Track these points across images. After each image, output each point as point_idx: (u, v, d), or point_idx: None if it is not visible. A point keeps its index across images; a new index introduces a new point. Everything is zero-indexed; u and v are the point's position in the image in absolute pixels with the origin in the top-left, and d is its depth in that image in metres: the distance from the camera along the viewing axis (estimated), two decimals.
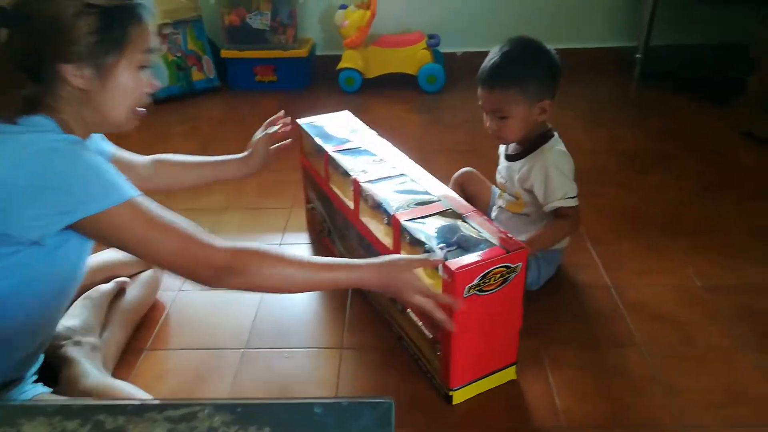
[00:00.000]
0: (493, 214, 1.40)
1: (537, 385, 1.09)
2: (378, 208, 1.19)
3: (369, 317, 1.27)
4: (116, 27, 0.82)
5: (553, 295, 1.31)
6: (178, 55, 2.60)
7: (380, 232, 1.19)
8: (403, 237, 1.09)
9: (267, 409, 0.49)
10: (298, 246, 1.54)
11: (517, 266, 0.99)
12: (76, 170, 0.79)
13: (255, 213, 1.70)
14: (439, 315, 0.96)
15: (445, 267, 0.95)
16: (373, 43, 2.61)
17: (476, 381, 1.06)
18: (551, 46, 1.24)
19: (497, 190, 1.42)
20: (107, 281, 1.20)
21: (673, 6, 2.59)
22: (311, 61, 2.76)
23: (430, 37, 2.61)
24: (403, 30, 2.71)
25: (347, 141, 1.39)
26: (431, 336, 1.08)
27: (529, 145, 1.28)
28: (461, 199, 1.16)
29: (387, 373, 1.13)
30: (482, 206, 1.40)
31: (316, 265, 0.94)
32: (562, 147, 1.27)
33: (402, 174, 1.24)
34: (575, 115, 2.25)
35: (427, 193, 1.16)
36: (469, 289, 0.96)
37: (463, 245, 1.01)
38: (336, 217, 1.41)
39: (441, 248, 1.00)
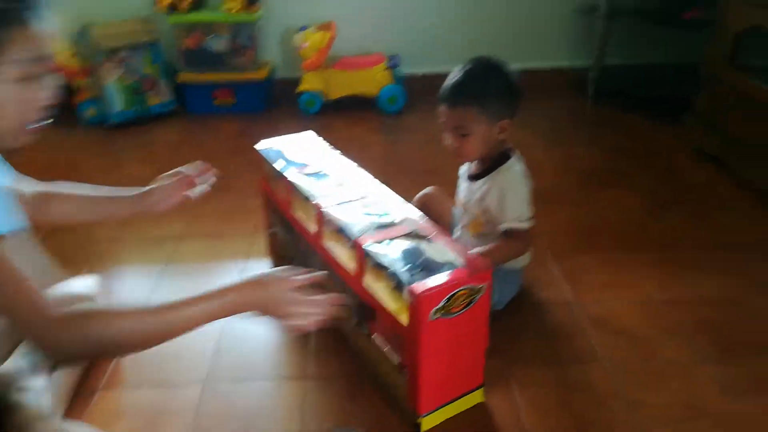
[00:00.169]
0: (456, 234, 1.40)
1: (504, 406, 1.08)
2: (341, 232, 1.18)
3: (333, 345, 1.24)
4: None
5: (515, 314, 1.31)
6: (134, 79, 2.55)
7: (344, 256, 1.17)
8: (366, 261, 1.08)
9: None
10: None
11: (481, 287, 0.99)
12: None
13: (216, 240, 1.66)
14: (316, 324, 0.91)
15: (410, 291, 0.94)
16: (333, 65, 2.61)
17: (444, 406, 1.05)
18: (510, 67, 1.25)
19: (457, 210, 1.42)
20: None
21: (625, 27, 2.67)
22: (271, 84, 2.75)
23: (390, 58, 2.63)
24: (362, 52, 2.72)
25: (308, 164, 1.38)
26: (398, 361, 1.06)
27: (488, 166, 1.29)
28: (425, 220, 1.15)
29: (353, 402, 1.11)
30: (445, 226, 1.40)
31: (168, 306, 0.84)
32: (520, 168, 1.28)
33: (365, 196, 1.23)
34: (534, 133, 2.29)
35: (390, 215, 1.16)
36: (435, 312, 0.95)
37: (428, 267, 1.00)
38: (298, 242, 1.38)
39: (405, 271, 0.99)
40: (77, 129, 2.51)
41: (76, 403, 1.10)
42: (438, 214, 1.45)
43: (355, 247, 1.09)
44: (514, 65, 1.24)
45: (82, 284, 1.23)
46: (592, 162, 2.11)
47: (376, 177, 1.30)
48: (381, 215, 1.16)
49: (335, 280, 1.22)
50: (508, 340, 1.22)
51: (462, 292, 0.97)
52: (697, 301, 1.35)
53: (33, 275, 0.77)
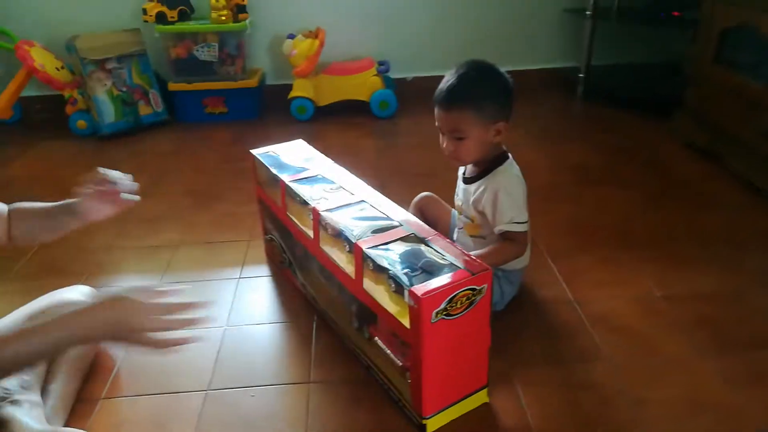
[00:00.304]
0: (455, 236, 1.41)
1: (509, 406, 1.08)
2: (339, 236, 1.18)
3: (336, 349, 1.24)
4: None
5: (517, 314, 1.31)
6: (124, 89, 2.55)
7: (342, 260, 1.17)
8: (366, 264, 1.08)
9: None
10: (258, 279, 1.50)
11: (482, 288, 0.99)
12: None
13: (211, 247, 1.65)
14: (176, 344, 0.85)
15: (411, 293, 0.94)
16: (323, 71, 2.62)
17: (449, 407, 1.05)
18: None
19: (455, 213, 1.42)
20: None
21: (612, 27, 2.70)
22: (262, 91, 2.75)
23: (380, 63, 2.64)
24: (352, 57, 2.73)
25: (304, 170, 1.38)
26: (401, 364, 1.06)
27: (484, 168, 1.29)
28: (422, 223, 1.15)
29: (357, 405, 1.10)
30: (443, 230, 1.40)
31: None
32: (515, 171, 1.28)
33: (361, 201, 1.23)
34: (525, 133, 2.31)
35: (387, 218, 1.16)
36: (437, 314, 0.95)
37: (428, 270, 1.00)
38: (295, 247, 1.38)
39: (406, 273, 0.99)
40: (69, 141, 2.49)
41: (77, 412, 1.09)
42: (435, 218, 1.46)
43: (354, 250, 1.08)
44: (504, 67, 1.24)
45: (75, 292, 1.22)
46: (585, 160, 2.12)
47: (370, 181, 1.30)
48: (379, 219, 1.16)
49: (334, 284, 1.22)
50: (510, 340, 1.22)
51: (463, 293, 0.97)
52: (696, 297, 1.35)
53: None
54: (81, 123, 2.52)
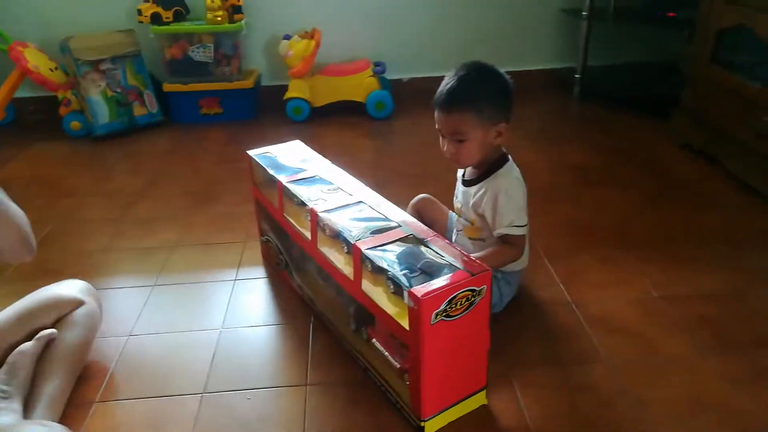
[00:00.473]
0: (453, 239, 1.40)
1: (508, 408, 1.07)
2: (337, 237, 1.17)
3: (333, 351, 1.23)
4: None
5: (515, 315, 1.30)
6: (118, 90, 2.53)
7: (340, 261, 1.16)
8: (364, 266, 1.07)
9: None
10: (254, 281, 1.49)
11: (482, 289, 0.98)
12: None
13: (207, 249, 1.64)
14: None
15: (411, 294, 0.93)
16: (319, 72, 2.61)
17: (447, 409, 1.04)
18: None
19: (454, 216, 1.41)
20: (31, 335, 1.09)
21: (608, 28, 2.70)
22: (257, 92, 2.74)
23: (376, 64, 2.63)
24: (348, 58, 2.72)
25: (301, 170, 1.37)
26: (399, 366, 1.05)
27: (484, 171, 1.28)
28: (421, 224, 1.15)
29: (355, 408, 1.09)
30: (440, 232, 1.38)
31: None
32: (516, 173, 1.28)
33: (359, 201, 1.22)
34: (522, 134, 2.30)
35: (386, 219, 1.15)
36: (436, 315, 0.94)
37: (427, 271, 0.99)
38: (292, 248, 1.37)
39: (405, 274, 0.98)
40: (63, 142, 2.48)
41: (70, 415, 1.07)
42: (432, 220, 1.45)
43: (353, 251, 1.07)
44: (501, 68, 1.24)
45: (71, 286, 1.21)
46: (582, 161, 2.12)
47: (367, 182, 1.29)
48: (377, 220, 1.15)
49: (332, 285, 1.21)
50: (509, 341, 1.21)
51: (463, 294, 0.96)
52: (696, 296, 1.35)
53: None
54: (75, 124, 2.51)
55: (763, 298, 1.34)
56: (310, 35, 2.55)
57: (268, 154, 1.46)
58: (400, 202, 1.27)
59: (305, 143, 1.52)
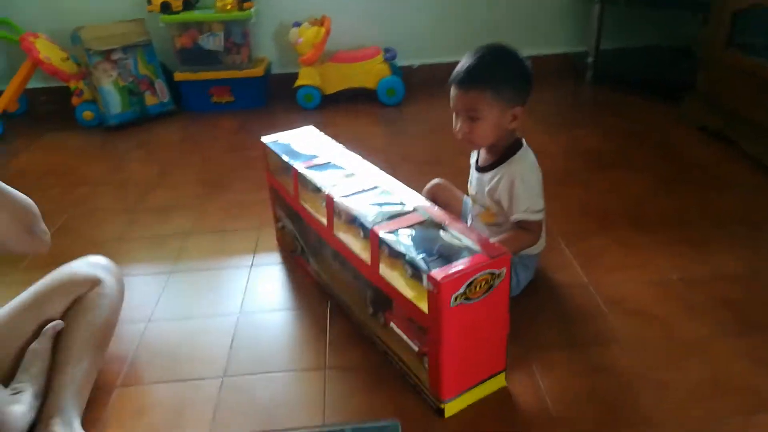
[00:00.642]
0: (468, 224, 1.39)
1: (527, 391, 1.07)
2: (353, 222, 1.17)
3: (351, 335, 1.23)
4: None
5: (533, 298, 1.30)
6: (130, 80, 2.54)
7: (357, 246, 1.16)
8: (381, 250, 1.07)
9: None
10: (270, 267, 1.49)
11: (501, 272, 0.98)
12: None
13: (222, 236, 1.65)
14: None
15: (430, 278, 0.93)
16: (329, 59, 2.60)
17: (467, 391, 1.04)
18: None
19: (469, 201, 1.41)
20: (46, 321, 1.07)
21: (620, 11, 2.67)
22: (268, 80, 2.73)
23: (387, 50, 2.61)
24: (358, 45, 2.70)
25: (315, 156, 1.37)
26: (417, 349, 1.05)
27: (499, 156, 1.27)
28: (438, 208, 1.14)
29: (374, 391, 1.09)
30: (455, 216, 1.38)
31: None
32: (531, 158, 1.26)
33: (375, 187, 1.22)
34: (536, 119, 2.29)
35: (402, 204, 1.14)
36: (456, 298, 0.94)
37: (445, 254, 0.99)
38: (308, 234, 1.37)
39: (423, 258, 0.98)
40: (76, 132, 2.49)
41: (94, 399, 1.08)
42: (447, 205, 1.44)
43: (370, 236, 1.07)
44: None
45: (86, 264, 1.18)
46: (597, 144, 2.10)
47: (380, 169, 1.29)
48: (394, 204, 1.15)
49: (349, 270, 1.21)
50: (526, 324, 1.21)
51: (482, 277, 0.96)
52: (713, 278, 1.34)
53: None
54: (87, 114, 2.52)
55: None
56: (319, 22, 2.54)
57: (282, 141, 1.46)
58: (412, 188, 1.27)
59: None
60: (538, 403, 1.05)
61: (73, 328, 1.09)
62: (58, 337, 1.07)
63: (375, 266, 1.08)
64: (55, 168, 2.17)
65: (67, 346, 1.06)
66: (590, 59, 2.70)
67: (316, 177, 1.27)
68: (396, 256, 1.04)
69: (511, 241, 1.23)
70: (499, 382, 1.08)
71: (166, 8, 2.50)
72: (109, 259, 1.22)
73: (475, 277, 0.95)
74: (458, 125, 1.23)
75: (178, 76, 2.59)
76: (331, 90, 2.61)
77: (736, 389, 1.05)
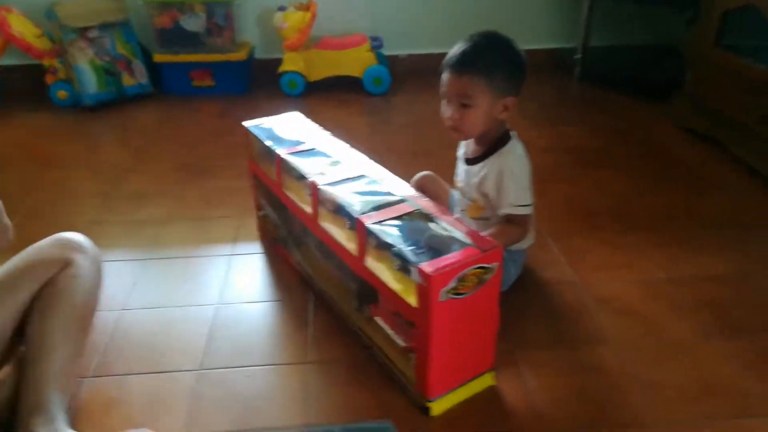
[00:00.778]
0: (457, 216, 1.36)
1: (515, 390, 1.05)
2: (339, 211, 1.13)
3: (333, 328, 1.19)
4: None
5: (521, 295, 1.28)
6: (107, 59, 2.45)
7: (342, 237, 1.12)
8: (368, 241, 1.03)
9: None
10: (251, 256, 1.44)
11: (492, 266, 0.95)
12: None
13: (201, 224, 1.59)
14: None
15: (420, 270, 0.90)
16: (314, 45, 2.54)
17: (454, 390, 1.01)
18: None
19: (456, 193, 1.38)
20: (17, 311, 0.99)
21: (609, 8, 2.66)
22: (251, 65, 2.66)
23: (374, 39, 2.57)
24: (344, 32, 2.65)
25: (300, 143, 1.32)
26: (404, 345, 1.02)
27: (488, 148, 1.24)
28: (427, 198, 1.11)
29: (357, 387, 1.06)
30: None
31: None
32: (520, 150, 1.23)
33: (362, 175, 1.18)
34: (522, 114, 2.26)
35: (390, 194, 1.11)
36: (445, 292, 0.91)
37: (435, 247, 0.96)
38: (292, 223, 1.33)
39: (411, 250, 0.94)
40: (49, 112, 2.39)
41: None
42: (435, 197, 1.41)
43: (357, 226, 1.03)
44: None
45: (56, 244, 1.07)
46: (583, 142, 2.08)
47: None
48: (382, 194, 1.11)
49: (333, 261, 1.17)
50: (514, 321, 1.19)
51: (473, 271, 0.93)
52: (701, 279, 1.33)
53: None
54: (62, 93, 2.42)
55: None
56: (305, 7, 2.47)
57: (265, 126, 1.41)
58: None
59: None
60: (526, 402, 1.02)
61: (45, 315, 0.99)
62: (30, 327, 0.99)
63: (361, 258, 1.05)
64: (27, 148, 2.09)
65: (40, 336, 0.97)
66: (578, 56, 2.68)
67: (300, 164, 1.22)
68: (383, 247, 1.01)
69: (499, 235, 1.20)
70: (487, 380, 1.05)
71: None
72: (84, 236, 1.10)
73: (465, 271, 0.92)
74: (448, 112, 1.19)
75: (158, 57, 2.51)
76: (315, 77, 2.55)
77: (724, 391, 1.04)
